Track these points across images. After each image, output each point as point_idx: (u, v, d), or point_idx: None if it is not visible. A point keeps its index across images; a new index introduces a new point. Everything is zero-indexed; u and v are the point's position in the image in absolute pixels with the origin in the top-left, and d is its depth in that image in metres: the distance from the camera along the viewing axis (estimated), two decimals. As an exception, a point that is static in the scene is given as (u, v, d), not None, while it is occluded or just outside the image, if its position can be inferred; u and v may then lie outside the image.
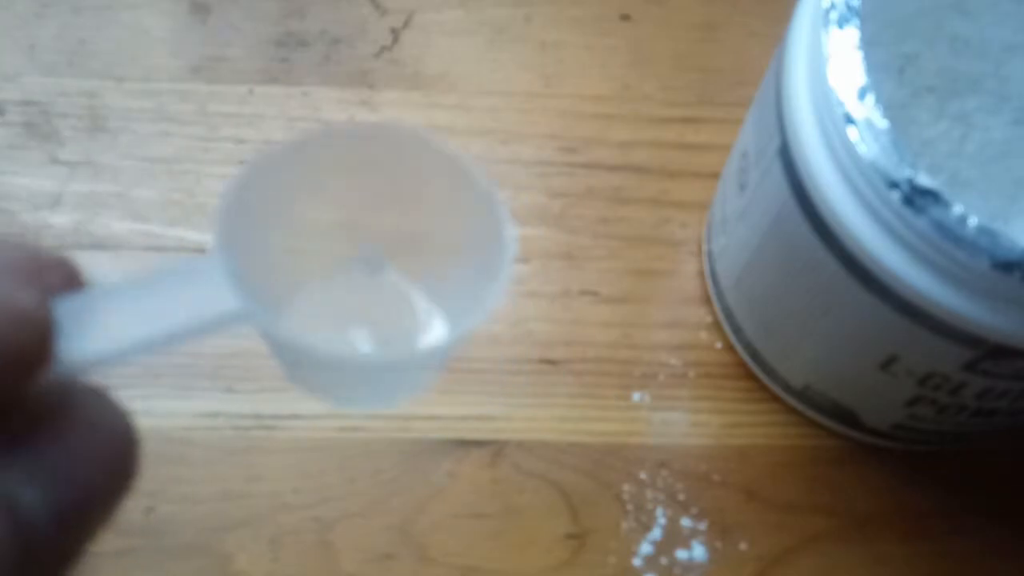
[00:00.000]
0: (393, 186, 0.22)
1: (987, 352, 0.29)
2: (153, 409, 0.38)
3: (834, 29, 0.29)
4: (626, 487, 0.38)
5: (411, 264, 0.24)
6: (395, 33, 0.45)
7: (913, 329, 0.29)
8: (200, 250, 0.41)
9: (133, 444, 0.18)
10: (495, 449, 0.38)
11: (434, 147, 0.21)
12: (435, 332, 0.23)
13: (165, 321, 0.18)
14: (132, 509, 0.37)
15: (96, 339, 0.17)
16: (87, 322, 0.17)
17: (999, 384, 0.31)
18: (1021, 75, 0.33)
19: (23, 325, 0.16)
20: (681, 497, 0.38)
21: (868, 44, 0.31)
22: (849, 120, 0.28)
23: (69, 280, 0.18)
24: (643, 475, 0.38)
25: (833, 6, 0.29)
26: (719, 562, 0.37)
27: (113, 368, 0.18)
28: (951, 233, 0.26)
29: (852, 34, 0.29)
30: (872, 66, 0.30)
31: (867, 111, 0.28)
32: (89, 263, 0.42)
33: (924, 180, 0.27)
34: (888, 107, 0.33)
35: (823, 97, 0.29)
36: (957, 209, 0.26)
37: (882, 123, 0.27)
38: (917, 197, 0.27)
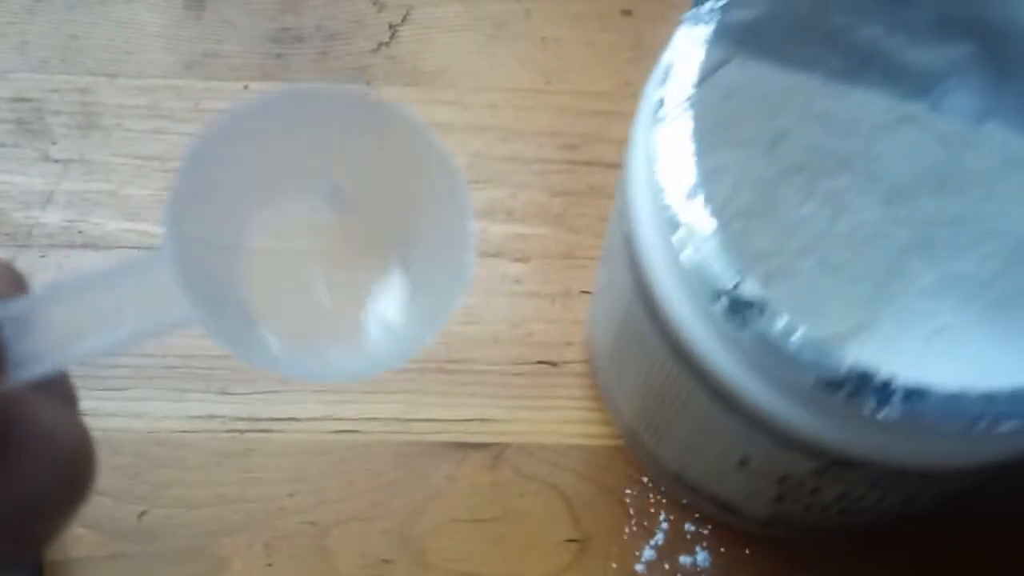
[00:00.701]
0: (356, 148, 0.21)
1: (830, 462, 0.27)
2: (147, 412, 0.38)
3: (665, 126, 0.27)
4: (628, 491, 0.38)
5: (376, 215, 0.23)
6: (393, 29, 0.44)
7: (757, 436, 0.28)
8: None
9: (87, 457, 0.17)
10: (495, 452, 0.38)
11: (406, 121, 0.20)
12: (394, 289, 0.22)
13: (113, 328, 0.17)
14: (126, 513, 0.37)
15: (41, 346, 0.17)
16: (31, 328, 0.17)
17: (854, 489, 0.29)
18: (890, 155, 0.31)
19: None
20: (684, 501, 0.37)
21: (738, 119, 0.29)
22: (675, 224, 0.26)
23: (11, 285, 0.17)
24: (645, 479, 0.38)
25: (662, 102, 0.27)
26: (722, 567, 0.37)
27: (58, 371, 0.17)
28: (775, 348, 0.24)
29: (685, 130, 0.26)
30: (740, 141, 0.29)
31: (694, 214, 0.25)
32: (81, 262, 0.42)
33: (749, 290, 0.25)
34: (758, 185, 0.31)
35: (654, 196, 0.27)
36: (781, 323, 0.24)
37: (708, 228, 0.25)
38: (741, 309, 0.25)
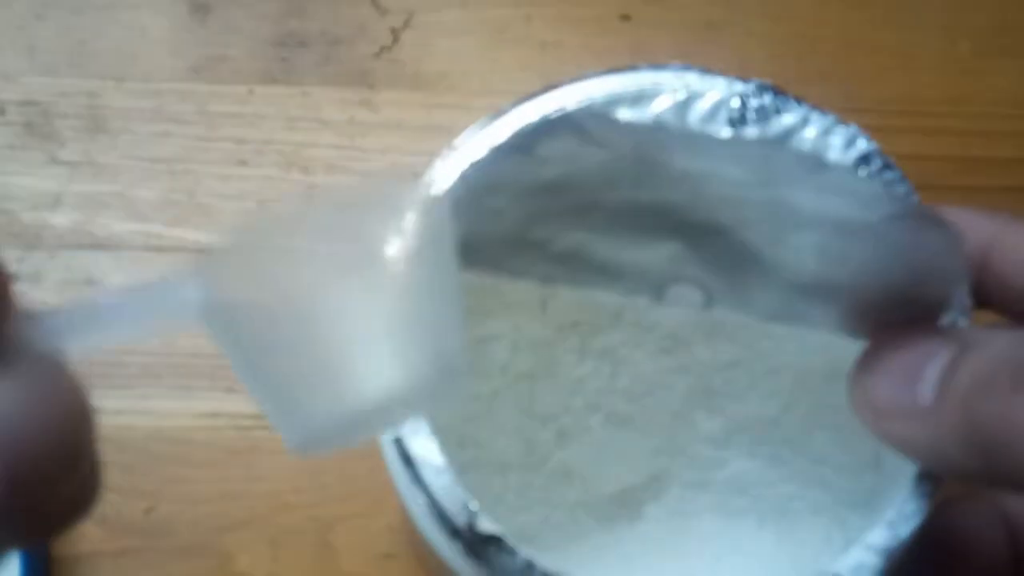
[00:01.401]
0: None
1: None
2: (153, 409, 0.38)
3: None
4: (626, 487, 0.38)
5: None
6: (395, 33, 0.45)
7: None
8: (200, 250, 0.41)
9: (84, 415, 0.16)
10: (495, 449, 0.38)
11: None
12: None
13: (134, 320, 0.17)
14: (132, 509, 0.37)
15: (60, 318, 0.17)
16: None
17: None
18: (657, 307, 0.30)
19: None
20: None
21: (498, 290, 0.28)
22: (407, 460, 0.24)
23: None
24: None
25: None
26: None
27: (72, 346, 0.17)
28: None
29: None
30: (511, 305, 0.28)
31: (424, 448, 0.24)
32: (89, 263, 0.42)
33: (486, 527, 0.23)
34: (535, 346, 0.30)
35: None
36: (521, 558, 0.22)
37: (438, 460, 0.23)
38: (478, 546, 0.23)
